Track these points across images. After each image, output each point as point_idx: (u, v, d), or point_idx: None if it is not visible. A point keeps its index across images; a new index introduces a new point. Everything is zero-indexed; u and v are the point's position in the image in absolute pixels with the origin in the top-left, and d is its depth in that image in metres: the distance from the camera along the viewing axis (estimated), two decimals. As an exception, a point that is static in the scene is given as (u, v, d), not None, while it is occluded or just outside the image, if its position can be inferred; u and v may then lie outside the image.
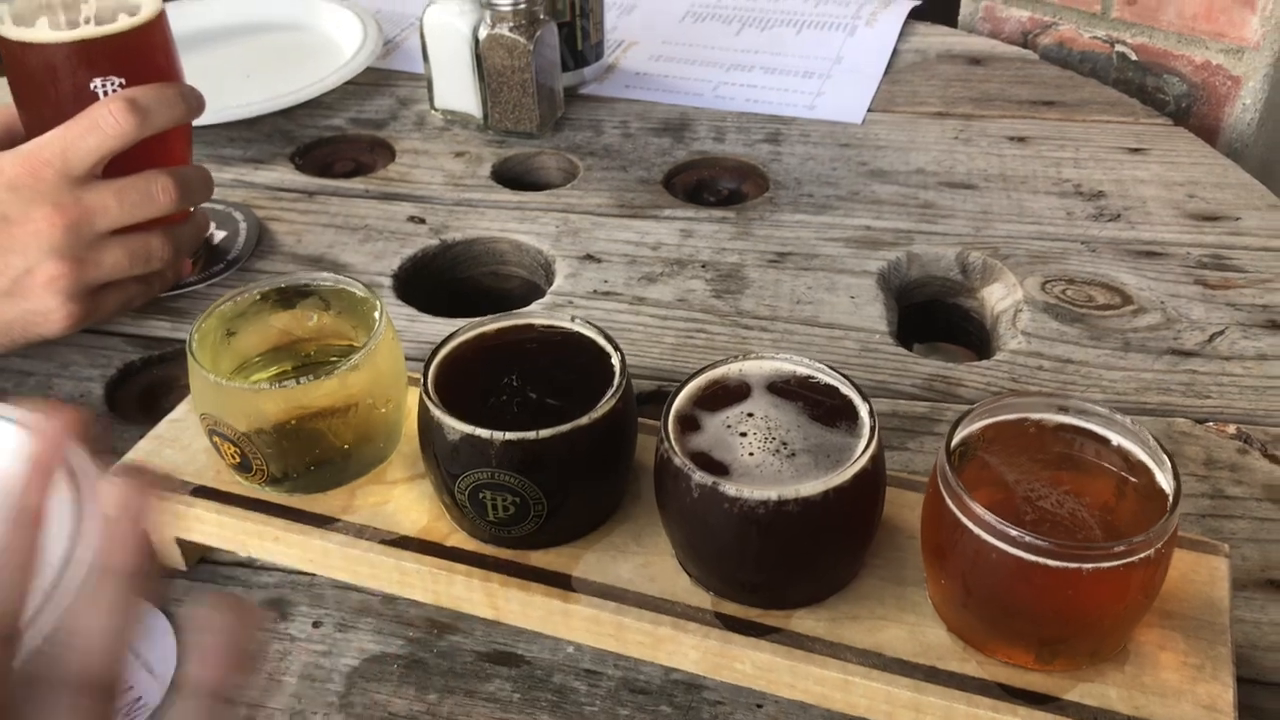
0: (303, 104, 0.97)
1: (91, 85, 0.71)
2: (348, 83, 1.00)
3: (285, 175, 0.90)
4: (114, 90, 0.71)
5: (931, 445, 0.63)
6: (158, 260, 0.71)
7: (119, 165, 0.68)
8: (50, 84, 0.71)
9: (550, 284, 0.79)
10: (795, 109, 0.97)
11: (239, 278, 0.78)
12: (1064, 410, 0.48)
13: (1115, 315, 0.73)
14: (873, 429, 0.47)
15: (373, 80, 1.03)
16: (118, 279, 0.70)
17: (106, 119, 0.66)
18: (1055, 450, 0.48)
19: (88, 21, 0.71)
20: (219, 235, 0.82)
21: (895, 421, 0.65)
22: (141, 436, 0.58)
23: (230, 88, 0.97)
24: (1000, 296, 0.76)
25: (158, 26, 0.74)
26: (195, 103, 0.71)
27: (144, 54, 0.73)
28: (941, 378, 0.68)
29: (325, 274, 0.57)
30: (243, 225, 0.84)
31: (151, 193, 0.69)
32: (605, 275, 0.78)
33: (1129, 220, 0.82)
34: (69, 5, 0.71)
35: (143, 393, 0.70)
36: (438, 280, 0.82)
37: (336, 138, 0.96)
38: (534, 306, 0.76)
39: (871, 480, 0.46)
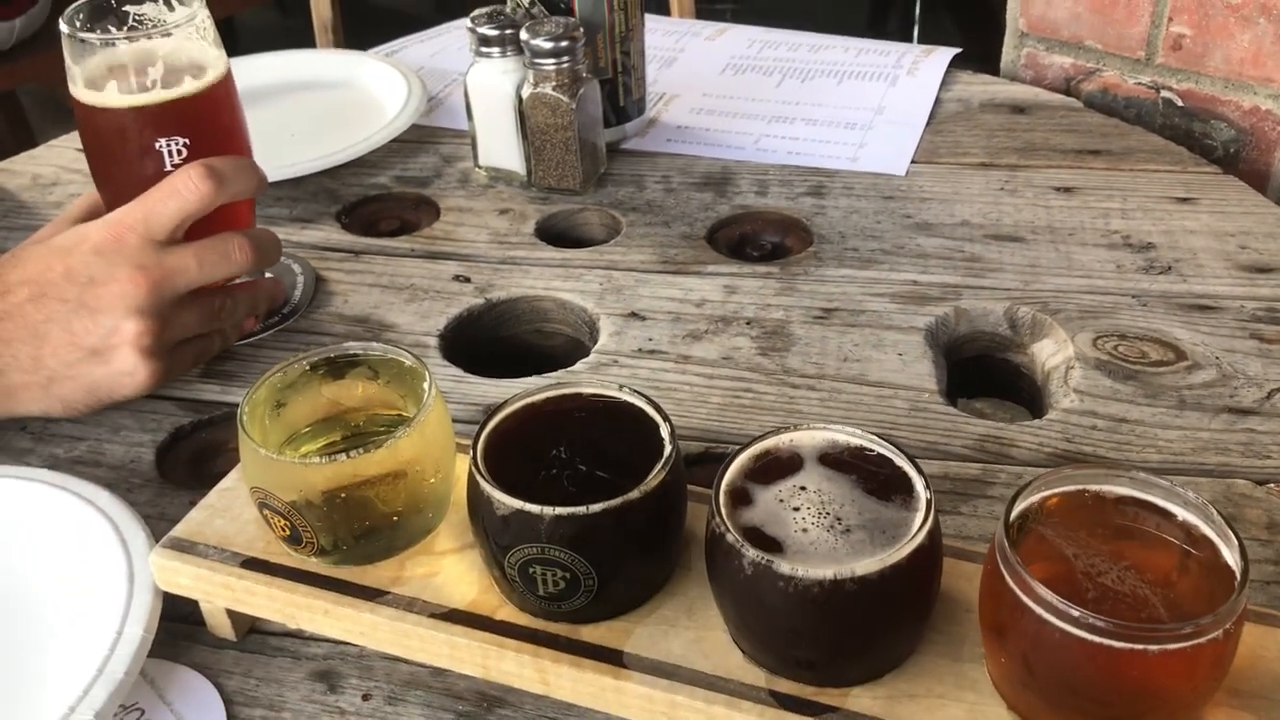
0: (348, 162, 0.98)
1: (156, 145, 0.73)
2: (392, 140, 1.00)
3: (332, 234, 0.91)
4: (178, 150, 0.73)
5: (985, 509, 0.62)
6: (229, 317, 0.74)
7: (193, 231, 0.71)
8: (119, 145, 0.74)
9: (595, 342, 0.79)
10: (838, 161, 0.97)
11: (295, 327, 0.79)
12: (1125, 482, 0.47)
13: (1169, 372, 0.72)
14: (929, 503, 0.46)
15: (417, 138, 1.04)
16: (190, 336, 0.72)
17: (187, 185, 0.69)
18: (1116, 523, 0.47)
19: (154, 85, 0.72)
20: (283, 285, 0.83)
21: (947, 484, 0.64)
22: (191, 502, 0.58)
23: (276, 147, 0.98)
24: (1051, 353, 0.75)
25: (222, 88, 0.76)
26: (264, 177, 0.74)
27: (208, 116, 0.75)
28: (993, 438, 0.67)
29: (375, 344, 0.57)
30: (300, 277, 0.85)
31: (229, 253, 0.71)
32: (650, 333, 0.78)
33: (1180, 273, 0.81)
34: (139, 68, 0.72)
35: (192, 456, 0.71)
36: (483, 339, 0.82)
37: (382, 196, 0.97)
38: (579, 366, 0.76)
39: (929, 557, 0.46)
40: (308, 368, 0.56)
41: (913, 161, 0.97)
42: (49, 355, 0.68)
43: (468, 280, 0.85)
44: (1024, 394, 0.78)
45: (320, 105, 1.10)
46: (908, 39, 2.91)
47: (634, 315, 0.80)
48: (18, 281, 0.69)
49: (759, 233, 0.90)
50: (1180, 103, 1.05)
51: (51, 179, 1.00)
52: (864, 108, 1.05)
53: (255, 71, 1.11)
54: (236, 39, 3.12)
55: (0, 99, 2.45)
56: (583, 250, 0.88)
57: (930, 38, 2.81)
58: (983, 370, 0.79)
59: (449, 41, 1.26)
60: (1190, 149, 0.98)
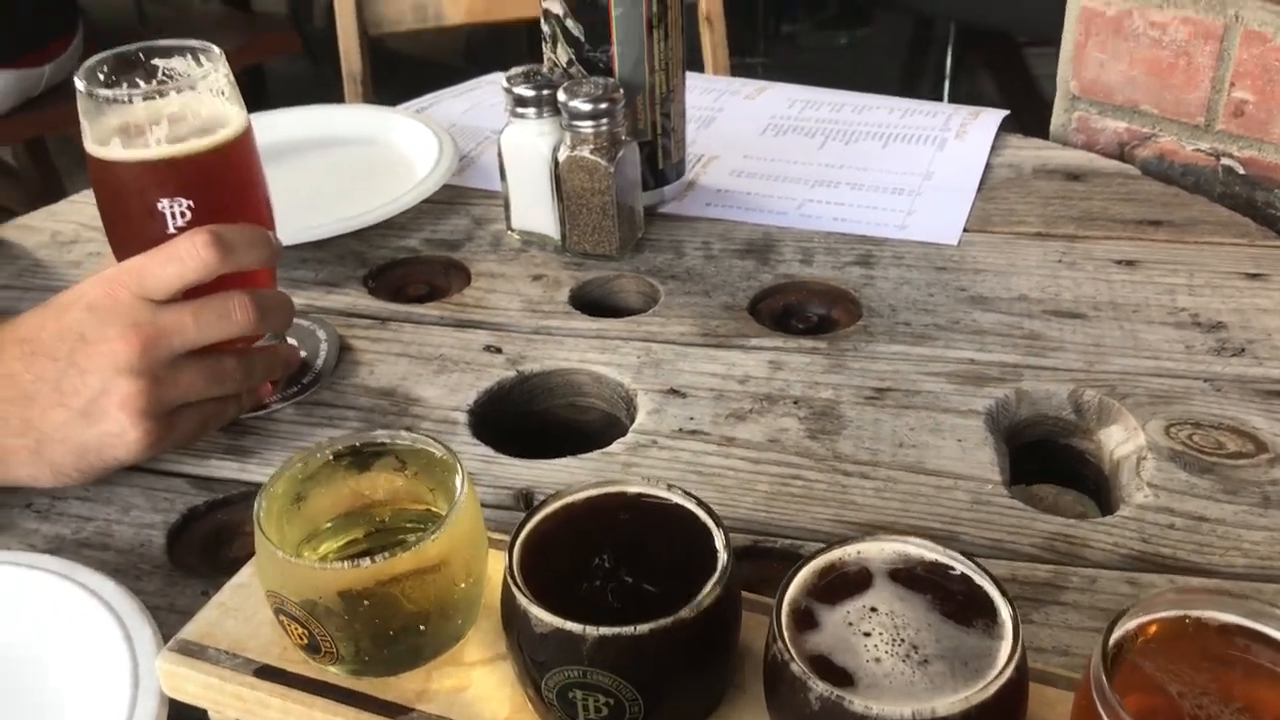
0: (376, 223, 0.94)
1: (159, 205, 0.70)
2: (422, 201, 0.97)
3: (358, 300, 0.87)
4: (181, 211, 0.70)
5: (1058, 616, 0.57)
6: (234, 382, 0.69)
7: (203, 291, 0.67)
8: (123, 201, 0.72)
9: (632, 419, 0.74)
10: (886, 229, 0.93)
11: (318, 399, 0.75)
12: (1234, 608, 0.42)
13: (1249, 465, 0.67)
14: (1016, 632, 0.41)
15: (447, 198, 1.01)
16: (194, 400, 0.68)
17: (190, 252, 0.65)
18: (1224, 655, 0.42)
19: (159, 141, 0.69)
20: (299, 353, 0.79)
21: (1015, 587, 0.59)
22: (204, 592, 0.54)
23: (301, 206, 0.95)
24: (1120, 440, 0.71)
25: (235, 147, 0.72)
26: (280, 250, 0.70)
27: (216, 176, 0.72)
28: (1064, 537, 0.62)
29: (403, 433, 0.53)
30: (324, 344, 0.81)
31: (229, 312, 0.67)
32: (691, 411, 0.74)
33: (1255, 355, 0.76)
34: (148, 123, 0.69)
35: (206, 540, 0.67)
36: (514, 413, 0.78)
37: (410, 259, 0.93)
38: (615, 447, 0.71)
39: (1017, 692, 0.41)
40: (331, 458, 0.52)
41: (965, 230, 0.92)
42: (38, 417, 0.65)
43: (499, 351, 0.81)
44: (1089, 481, 0.73)
45: (348, 162, 1.07)
46: (938, 97, 2.88)
47: (674, 392, 0.76)
48: (12, 340, 0.66)
49: (804, 304, 0.86)
50: (1242, 171, 1.01)
51: (71, 236, 0.97)
52: (912, 172, 1.01)
53: (281, 126, 1.09)
54: (265, 87, 3.12)
55: (29, 145, 2.45)
56: (619, 320, 0.84)
57: (962, 97, 2.78)
58: (1044, 454, 0.75)
59: (481, 97, 1.23)
60: (1253, 219, 0.93)
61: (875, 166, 1.03)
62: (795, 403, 0.74)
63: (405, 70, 1.68)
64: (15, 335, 0.66)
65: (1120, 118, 1.07)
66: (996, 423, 0.72)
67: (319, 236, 0.92)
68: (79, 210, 1.01)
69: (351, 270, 0.91)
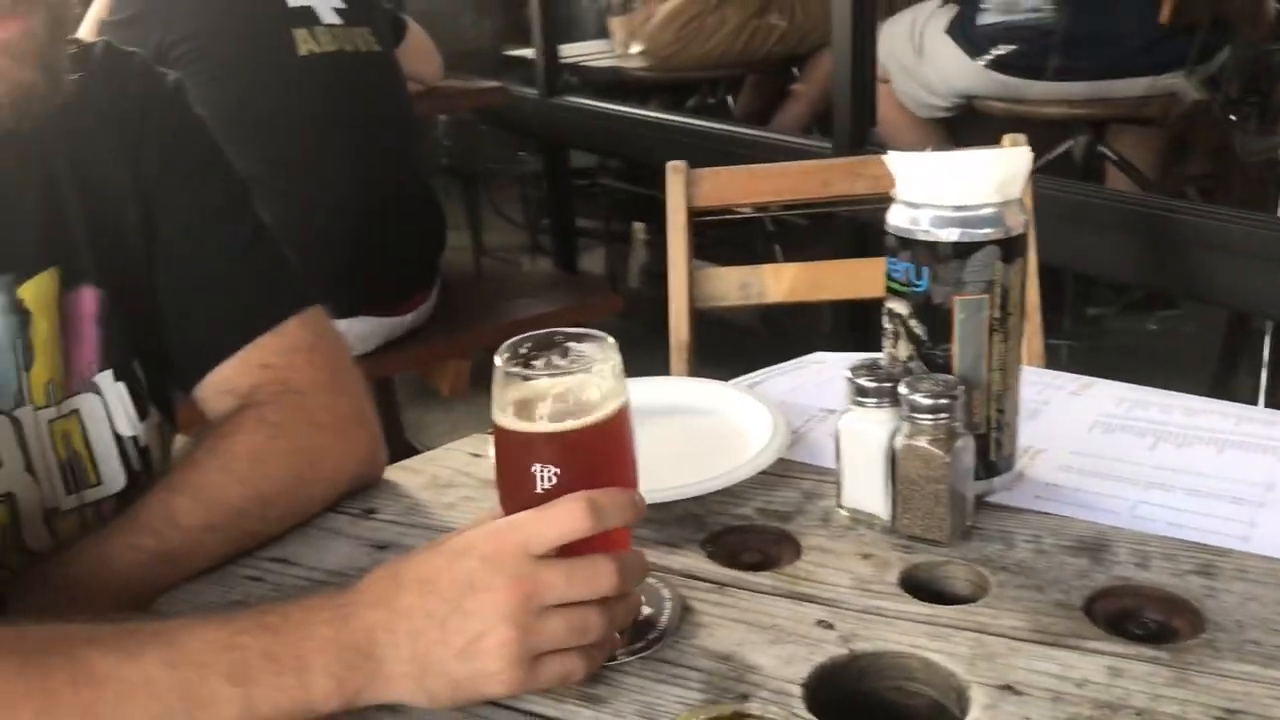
0: (714, 491, 1.02)
1: (532, 468, 0.79)
2: (757, 472, 1.04)
3: (697, 563, 0.94)
4: (549, 476, 0.79)
5: None
6: (594, 633, 0.77)
7: (570, 545, 0.76)
8: (505, 460, 0.82)
9: (964, 711, 0.75)
10: (1227, 539, 0.91)
11: (661, 655, 0.81)
12: None
13: None
14: None
15: (778, 471, 1.07)
16: (556, 649, 0.75)
17: (569, 516, 0.75)
18: None
19: (541, 417, 0.80)
20: (645, 609, 0.86)
21: None
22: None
23: (644, 469, 1.03)
24: None
25: (612, 424, 0.82)
26: (642, 510, 0.79)
27: (585, 450, 0.82)
28: None
29: (774, 709, 0.57)
30: (667, 602, 0.87)
31: (596, 575, 0.76)
32: (1027, 711, 0.74)
33: None
34: (546, 396, 0.80)
35: (559, 781, 0.72)
36: (845, 691, 0.81)
37: (745, 527, 0.99)
38: (951, 739, 0.72)
39: None
40: (706, 723, 0.57)
41: (1315, 547, 0.90)
42: (424, 649, 0.74)
43: (831, 627, 0.84)
44: None
45: (689, 430, 1.17)
46: (1255, 390, 2.76)
47: (1008, 688, 0.76)
48: (412, 579, 0.76)
49: (1142, 609, 0.85)
50: None
51: (447, 480, 1.10)
52: (1251, 481, 1.00)
53: (633, 393, 1.19)
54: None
55: (378, 384, 2.75)
56: (949, 607, 0.86)
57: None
58: None
59: (805, 377, 1.31)
60: None
61: (1211, 473, 1.02)
62: (1139, 714, 0.73)
63: (721, 338, 1.81)
64: (417, 574, 0.77)
65: None
66: (1365, 762, 0.68)
67: (662, 500, 1.00)
68: (454, 457, 1.14)
69: (690, 533, 0.98)
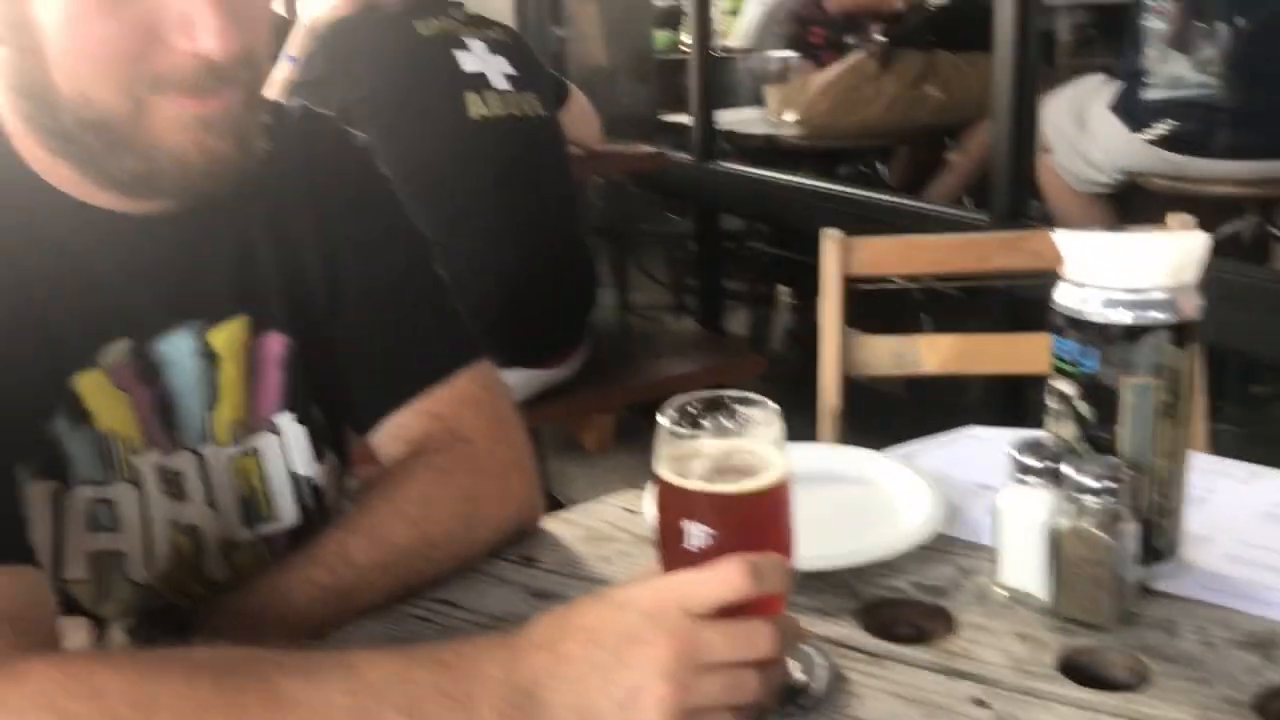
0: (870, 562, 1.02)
1: (681, 524, 0.81)
2: (914, 546, 1.04)
3: (851, 633, 0.94)
4: (702, 535, 0.81)
5: None
6: (748, 694, 0.78)
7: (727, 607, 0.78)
8: (665, 515, 0.84)
9: (1125, 802, 0.74)
10: None
11: (807, 733, 0.82)
12: None
13: None
14: None
15: (934, 544, 1.07)
16: (711, 707, 0.77)
17: (728, 579, 0.77)
18: None
19: (700, 476, 0.82)
20: (799, 675, 0.87)
21: None
22: None
23: (800, 535, 1.05)
24: None
25: (769, 493, 0.83)
26: (796, 577, 0.81)
27: (746, 514, 0.83)
28: None
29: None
30: (821, 669, 0.88)
31: (754, 639, 0.77)
32: (1192, 807, 0.72)
33: None
34: (705, 456, 0.83)
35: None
36: (999, 772, 0.80)
37: (899, 600, 0.99)
38: (1111, 828, 0.71)
39: None
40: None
41: None
42: (585, 697, 0.76)
43: (987, 706, 0.84)
44: None
45: (841, 499, 1.17)
46: None
47: (1173, 781, 0.75)
48: (577, 628, 0.79)
49: (1316, 711, 0.83)
50: None
51: (604, 534, 1.13)
52: None
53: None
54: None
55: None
56: (1110, 695, 0.85)
57: None
58: None
59: (961, 451, 1.30)
60: None
61: (1393, 572, 0.98)
62: (1312, 819, 0.71)
63: (861, 400, 1.81)
64: (581, 623, 0.79)
65: None
66: None
67: (818, 568, 1.01)
68: (609, 511, 1.17)
69: (844, 602, 0.99)
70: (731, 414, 0.85)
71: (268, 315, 1.07)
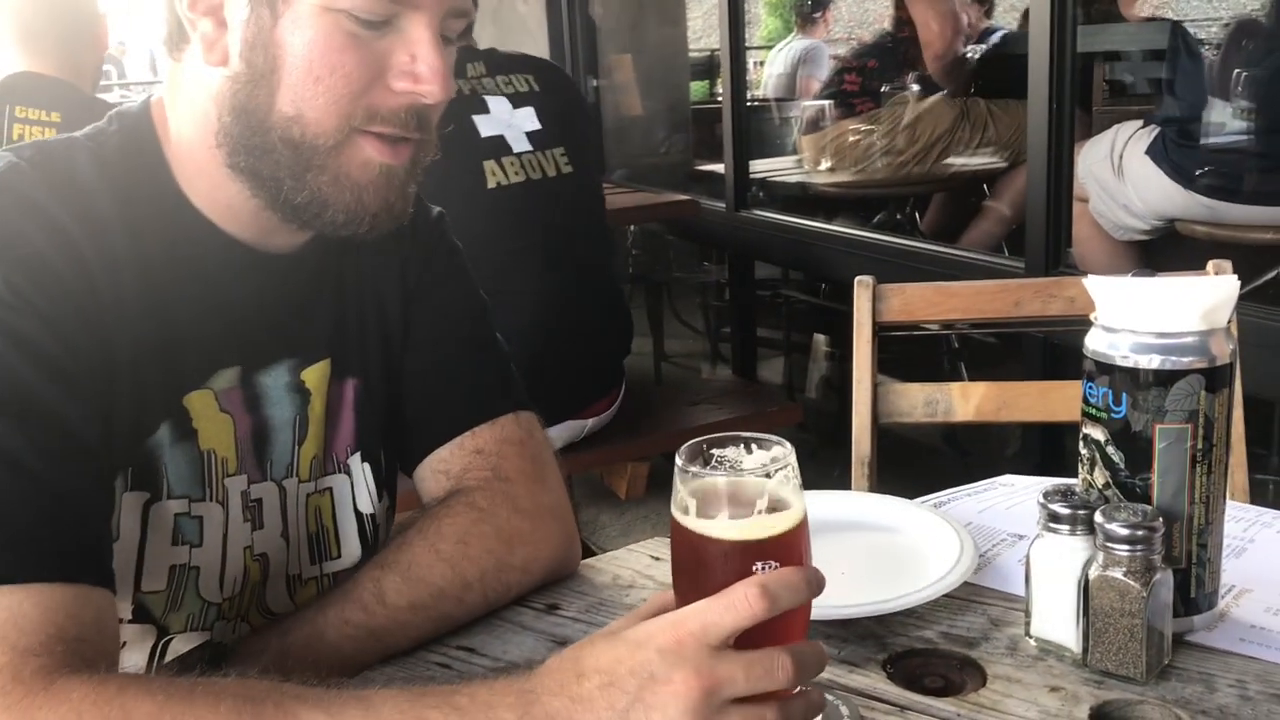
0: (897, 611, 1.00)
1: (707, 567, 0.80)
2: (942, 594, 1.02)
3: (877, 683, 0.93)
4: (725, 575, 0.80)
5: None
6: None
7: (746, 634, 0.76)
8: (679, 553, 0.83)
9: None
10: None
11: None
12: None
13: None
14: None
15: (964, 594, 1.05)
16: None
17: (741, 602, 0.76)
18: None
19: (715, 515, 0.80)
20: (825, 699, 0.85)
21: None
22: None
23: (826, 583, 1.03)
24: None
25: (782, 534, 0.82)
26: (818, 586, 0.80)
27: (763, 554, 0.82)
28: None
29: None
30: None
31: (773, 670, 0.76)
32: None
33: None
34: (719, 495, 0.81)
35: None
36: (1029, 829, 0.78)
37: (928, 650, 0.97)
38: None
39: None
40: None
41: None
42: None
43: (1017, 760, 0.82)
44: None
45: (870, 547, 1.16)
46: None
47: (1209, 841, 0.72)
48: (593, 669, 0.78)
49: (1360, 770, 0.80)
50: None
51: (629, 581, 1.12)
52: None
53: (813, 506, 1.19)
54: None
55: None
56: (1144, 750, 0.82)
57: None
58: None
59: (994, 499, 1.28)
60: None
61: None
62: None
63: (895, 448, 1.79)
64: (596, 664, 0.78)
65: None
66: None
67: (844, 616, 0.99)
68: (636, 558, 1.17)
69: (871, 652, 0.97)
70: (747, 453, 0.84)
71: (348, 359, 1.12)
